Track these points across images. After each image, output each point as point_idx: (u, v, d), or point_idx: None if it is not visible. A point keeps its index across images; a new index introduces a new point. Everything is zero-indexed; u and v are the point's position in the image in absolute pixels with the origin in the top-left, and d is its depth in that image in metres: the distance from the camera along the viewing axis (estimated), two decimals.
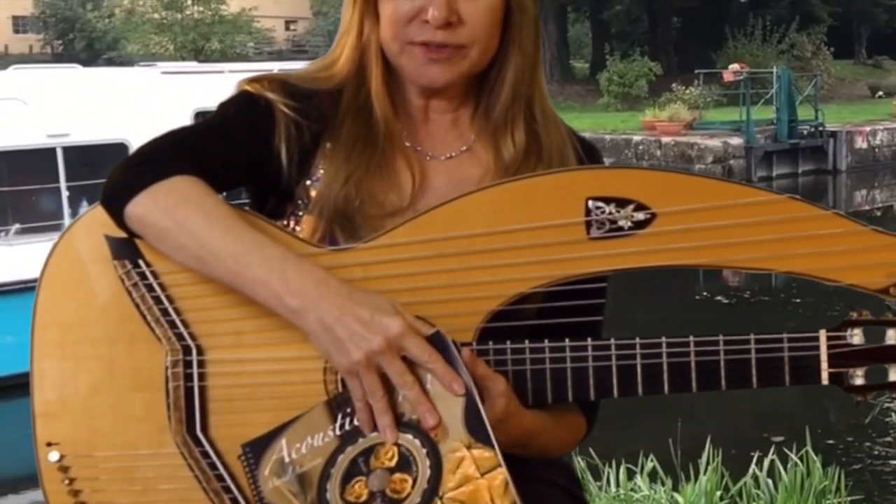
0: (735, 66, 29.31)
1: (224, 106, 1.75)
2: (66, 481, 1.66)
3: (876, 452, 8.92)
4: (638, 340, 1.62)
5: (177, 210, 1.58)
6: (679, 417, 6.57)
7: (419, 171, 1.74)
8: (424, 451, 1.52)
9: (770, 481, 6.24)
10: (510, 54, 1.74)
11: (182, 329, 1.63)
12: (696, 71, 30.40)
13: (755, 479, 6.26)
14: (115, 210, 1.62)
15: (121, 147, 11.26)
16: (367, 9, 1.72)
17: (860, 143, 28.84)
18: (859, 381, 1.63)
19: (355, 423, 1.54)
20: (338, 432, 1.55)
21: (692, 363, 1.62)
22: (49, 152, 11.98)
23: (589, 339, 1.63)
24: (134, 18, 31.73)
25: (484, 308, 1.61)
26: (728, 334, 1.63)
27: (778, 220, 1.60)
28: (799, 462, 6.40)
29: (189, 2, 31.15)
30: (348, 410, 1.55)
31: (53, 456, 1.65)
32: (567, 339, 1.62)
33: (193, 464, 1.63)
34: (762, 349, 1.62)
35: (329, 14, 35.73)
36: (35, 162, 11.93)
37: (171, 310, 1.63)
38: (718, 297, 14.99)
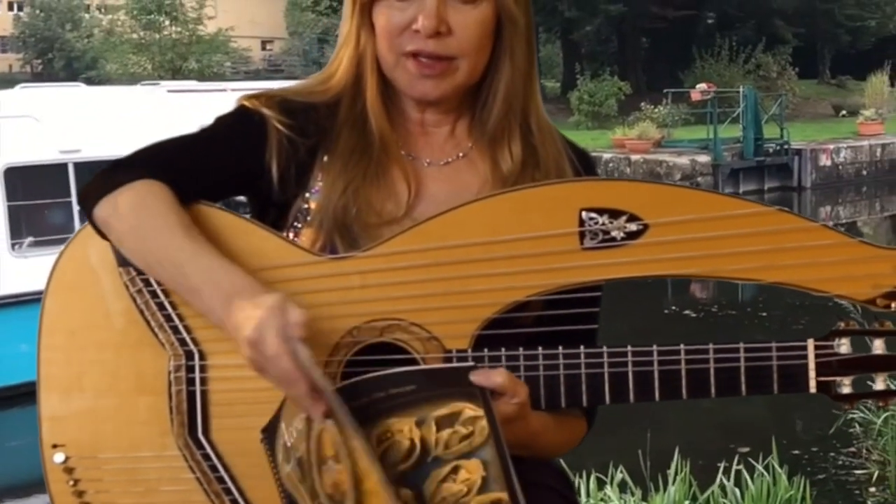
0: (702, 86, 29.36)
1: (219, 119, 1.77)
2: (71, 482, 1.67)
3: (840, 462, 8.93)
4: (630, 348, 1.63)
5: (132, 214, 1.62)
6: (648, 429, 6.58)
7: (415, 179, 1.74)
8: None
9: (737, 491, 6.28)
10: (502, 66, 1.74)
11: (185, 335, 1.64)
12: (665, 90, 30.45)
13: (722, 488, 6.29)
14: (86, 211, 1.66)
15: None
16: (363, 21, 1.73)
17: (824, 161, 28.96)
18: (846, 390, 1.65)
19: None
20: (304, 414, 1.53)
21: (682, 371, 1.63)
22: (61, 168, 12.13)
23: (581, 347, 1.63)
24: (112, 38, 31.63)
25: (480, 315, 1.62)
26: (717, 343, 1.63)
27: (767, 232, 1.61)
28: (765, 472, 6.44)
29: (167, 22, 31.06)
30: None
31: (59, 457, 1.67)
32: (560, 347, 1.63)
33: (195, 466, 1.64)
34: (751, 357, 1.63)
35: (304, 34, 35.74)
36: (48, 177, 12.06)
37: (174, 316, 1.65)
38: (687, 311, 15.01)
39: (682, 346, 1.63)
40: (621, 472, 5.39)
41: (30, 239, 12.02)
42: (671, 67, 35.69)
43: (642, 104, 29.66)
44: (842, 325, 1.65)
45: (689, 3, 36.21)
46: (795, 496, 6.39)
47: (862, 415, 8.16)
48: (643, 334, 12.58)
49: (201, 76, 28.11)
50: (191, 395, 1.64)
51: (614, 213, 1.62)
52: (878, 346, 1.66)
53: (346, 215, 1.68)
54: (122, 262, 1.66)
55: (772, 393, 1.63)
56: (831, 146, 29.39)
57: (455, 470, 1.51)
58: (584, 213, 1.62)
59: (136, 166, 1.67)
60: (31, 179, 12.02)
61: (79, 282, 1.69)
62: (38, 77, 35.83)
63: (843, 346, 1.64)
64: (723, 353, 1.63)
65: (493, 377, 1.54)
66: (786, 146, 28.26)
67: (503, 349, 1.62)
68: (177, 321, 1.64)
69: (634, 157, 26.23)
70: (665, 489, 6.00)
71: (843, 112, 35.05)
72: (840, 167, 29.35)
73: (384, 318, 1.62)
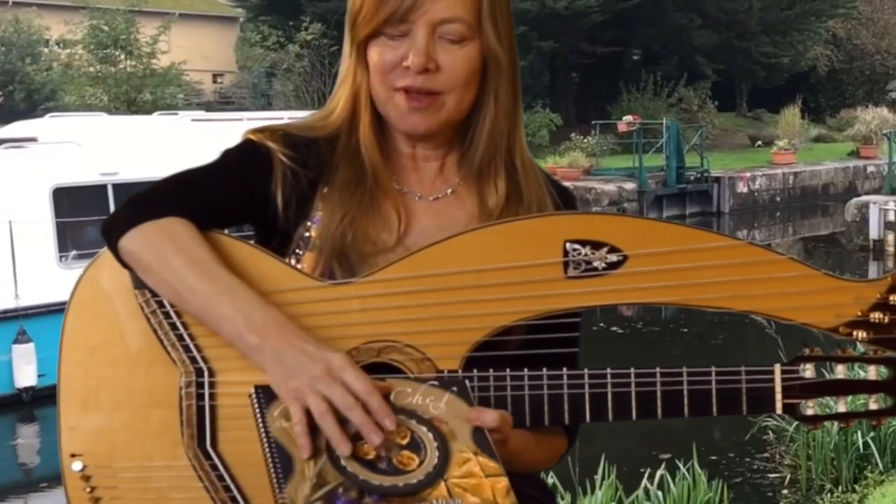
0: (629, 118, 29.59)
1: (227, 152, 1.79)
2: (88, 489, 1.68)
3: (755, 467, 9.04)
4: (609, 371, 1.65)
5: (161, 248, 1.63)
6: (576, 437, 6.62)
7: (406, 211, 1.76)
8: (435, 444, 1.55)
9: (660, 494, 6.37)
10: (486, 105, 1.76)
11: (195, 353, 1.66)
12: (593, 122, 30.64)
13: (646, 492, 6.39)
14: (111, 243, 1.68)
15: None
16: (359, 60, 1.75)
17: (741, 188, 29.31)
18: (810, 412, 1.67)
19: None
20: None
21: (658, 392, 1.65)
22: (101, 188, 12.84)
23: (564, 369, 1.65)
24: (70, 71, 31.30)
25: (470, 338, 1.64)
26: (691, 366, 1.65)
27: (738, 264, 1.63)
28: (687, 474, 6.52)
29: (122, 56, 30.78)
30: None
31: (77, 466, 1.68)
32: (545, 369, 1.65)
33: (203, 476, 1.64)
34: (722, 381, 1.65)
35: (253, 68, 35.54)
36: (90, 196, 12.61)
37: (185, 335, 1.66)
38: (614, 328, 15.12)
39: (657, 370, 1.65)
40: (552, 477, 5.42)
41: (74, 252, 12.50)
42: (599, 101, 35.92)
43: (572, 135, 29.80)
44: (807, 351, 1.67)
45: (617, 40, 36.49)
46: (714, 498, 6.51)
47: (775, 422, 8.28)
48: None
49: (155, 107, 27.84)
50: (200, 410, 1.65)
51: (596, 245, 1.64)
52: (841, 372, 1.68)
53: (343, 243, 1.70)
54: (138, 284, 1.68)
55: (741, 414, 1.66)
56: (748, 174, 29.79)
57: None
58: (568, 245, 1.64)
59: (157, 201, 1.69)
60: (76, 199, 12.57)
61: (97, 302, 1.71)
62: None
63: (808, 371, 1.66)
64: (695, 377, 1.65)
65: (485, 418, 1.57)
66: (706, 174, 28.58)
67: (491, 370, 1.64)
68: (188, 340, 1.66)
69: (565, 184, 26.22)
70: (593, 493, 6.08)
71: (759, 142, 35.43)
72: (756, 193, 29.74)
73: (381, 339, 1.64)
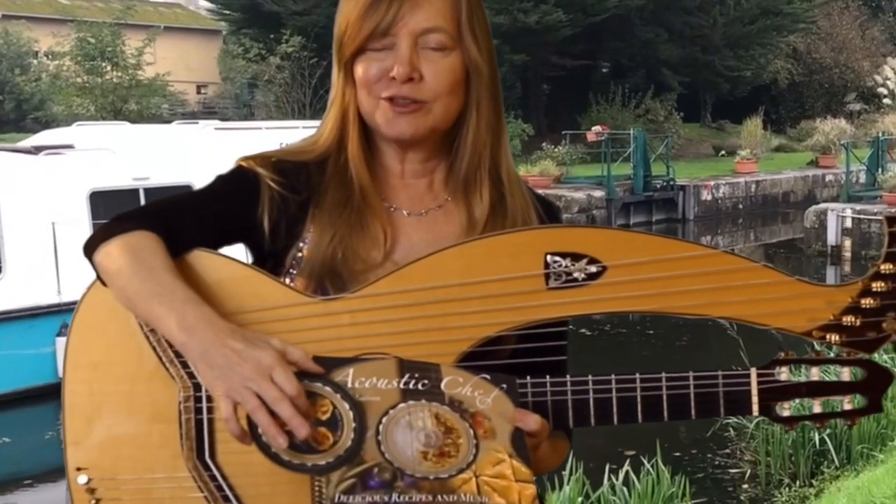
0: (597, 128, 29.63)
1: (218, 177, 1.80)
2: (93, 501, 1.68)
3: (717, 462, 9.08)
4: (591, 377, 1.64)
5: (121, 258, 1.64)
6: None
7: (395, 228, 1.76)
8: (474, 442, 1.57)
9: (625, 489, 6.40)
10: (469, 116, 1.76)
11: (193, 368, 1.63)
12: (564, 132, 30.73)
13: (612, 487, 6.40)
14: (88, 257, 1.69)
15: (187, 188, 11.73)
16: (347, 78, 1.75)
17: (705, 196, 29.42)
18: (786, 413, 1.67)
19: (420, 386, 1.58)
20: (401, 387, 1.58)
21: (638, 397, 1.64)
22: (133, 192, 13.09)
23: (548, 377, 1.64)
24: (59, 82, 31.13)
25: (457, 349, 1.63)
26: (669, 372, 1.65)
27: (714, 272, 1.62)
28: (651, 470, 6.54)
29: (108, 67, 30.64)
30: (417, 375, 1.58)
31: (82, 479, 1.68)
32: (529, 377, 1.64)
33: (203, 486, 1.64)
34: (700, 385, 1.64)
35: (235, 79, 35.46)
36: (122, 200, 12.67)
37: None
38: (583, 330, 15.13)
39: (637, 375, 1.64)
40: None
41: None
42: (569, 111, 36.00)
43: (543, 144, 29.85)
44: (782, 354, 1.67)
45: (586, 53, 36.60)
46: (677, 493, 6.54)
47: (736, 420, 8.33)
48: None
49: (141, 117, 27.80)
50: (199, 423, 1.65)
51: (576, 257, 1.63)
52: (815, 374, 1.68)
53: (334, 262, 1.70)
54: None
55: (719, 416, 1.66)
56: (712, 182, 29.90)
57: None
58: (548, 257, 1.64)
59: (134, 219, 1.70)
60: (110, 202, 12.65)
61: (99, 322, 1.71)
62: None
63: (783, 374, 1.66)
64: (674, 382, 1.64)
65: (528, 421, 1.59)
66: (671, 182, 28.69)
67: (514, 378, 1.64)
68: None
69: (536, 191, 26.32)
70: (561, 488, 6.08)
71: (722, 152, 35.60)
72: (719, 201, 29.87)
73: (372, 352, 1.63)
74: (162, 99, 33.00)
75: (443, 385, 1.58)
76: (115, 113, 29.42)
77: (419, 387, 1.58)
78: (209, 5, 41.15)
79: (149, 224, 1.67)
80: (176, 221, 1.70)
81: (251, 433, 1.54)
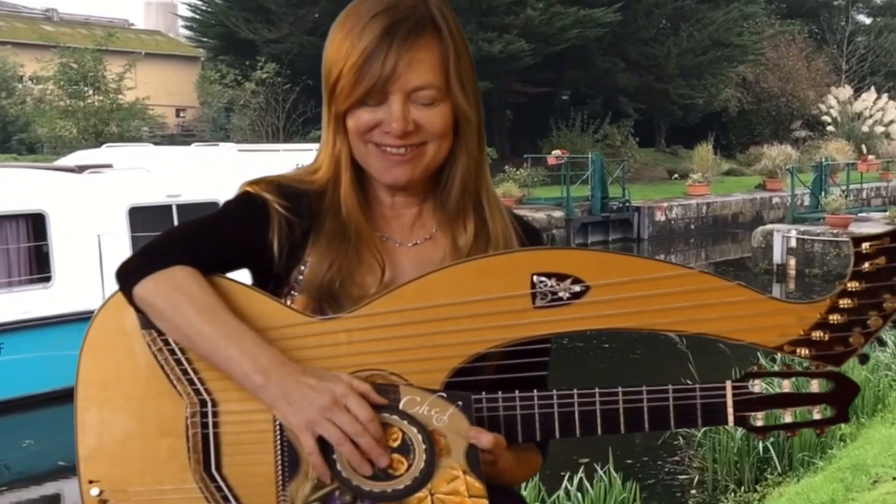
0: (557, 152, 29.64)
1: (227, 203, 1.80)
2: None
3: (666, 469, 9.10)
4: (575, 391, 1.66)
5: (171, 295, 1.64)
6: None
7: (387, 257, 1.76)
8: (424, 447, 1.59)
9: (579, 495, 6.40)
10: (458, 155, 1.77)
11: (199, 385, 1.66)
12: (525, 155, 30.71)
13: (567, 493, 6.41)
14: (125, 290, 1.68)
15: (214, 205, 12.04)
16: (338, 128, 1.75)
17: (659, 217, 29.55)
18: (760, 423, 1.68)
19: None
20: None
21: (620, 410, 1.65)
22: (167, 208, 13.45)
23: (535, 391, 1.65)
24: (43, 105, 30.94)
25: (448, 365, 1.64)
26: (650, 385, 1.67)
27: (691, 291, 1.64)
28: (604, 476, 6.56)
29: (91, 91, 30.48)
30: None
31: (94, 491, 1.69)
32: (517, 391, 1.65)
33: (210, 497, 1.65)
34: (678, 397, 1.66)
35: (213, 104, 35.33)
36: (158, 215, 13.13)
37: (189, 370, 1.67)
38: None
39: (619, 389, 1.66)
40: None
41: None
42: (531, 136, 36.10)
43: (506, 167, 29.82)
44: (755, 368, 1.69)
45: (547, 81, 36.74)
46: (628, 498, 6.57)
47: (685, 429, 8.36)
48: None
49: (121, 139, 27.59)
50: (205, 437, 1.66)
51: (561, 277, 1.64)
52: (787, 386, 1.70)
53: (331, 287, 1.71)
54: (145, 325, 1.69)
55: (696, 427, 1.67)
56: (665, 204, 30.04)
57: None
58: (535, 277, 1.65)
59: (167, 251, 1.70)
60: (147, 217, 13.12)
61: (108, 342, 1.72)
62: None
63: (757, 387, 1.67)
64: (654, 395, 1.66)
65: (481, 438, 1.60)
66: (627, 204, 28.79)
67: (500, 392, 1.66)
68: (192, 374, 1.67)
69: (515, 213, 26.34)
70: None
71: (675, 175, 35.77)
72: (672, 222, 30.01)
73: (368, 369, 1.64)
74: (142, 122, 32.84)
75: (401, 405, 1.60)
76: (96, 135, 29.25)
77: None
78: (188, 33, 41.06)
79: (182, 257, 1.68)
80: (202, 252, 1.71)
81: (330, 469, 1.58)
